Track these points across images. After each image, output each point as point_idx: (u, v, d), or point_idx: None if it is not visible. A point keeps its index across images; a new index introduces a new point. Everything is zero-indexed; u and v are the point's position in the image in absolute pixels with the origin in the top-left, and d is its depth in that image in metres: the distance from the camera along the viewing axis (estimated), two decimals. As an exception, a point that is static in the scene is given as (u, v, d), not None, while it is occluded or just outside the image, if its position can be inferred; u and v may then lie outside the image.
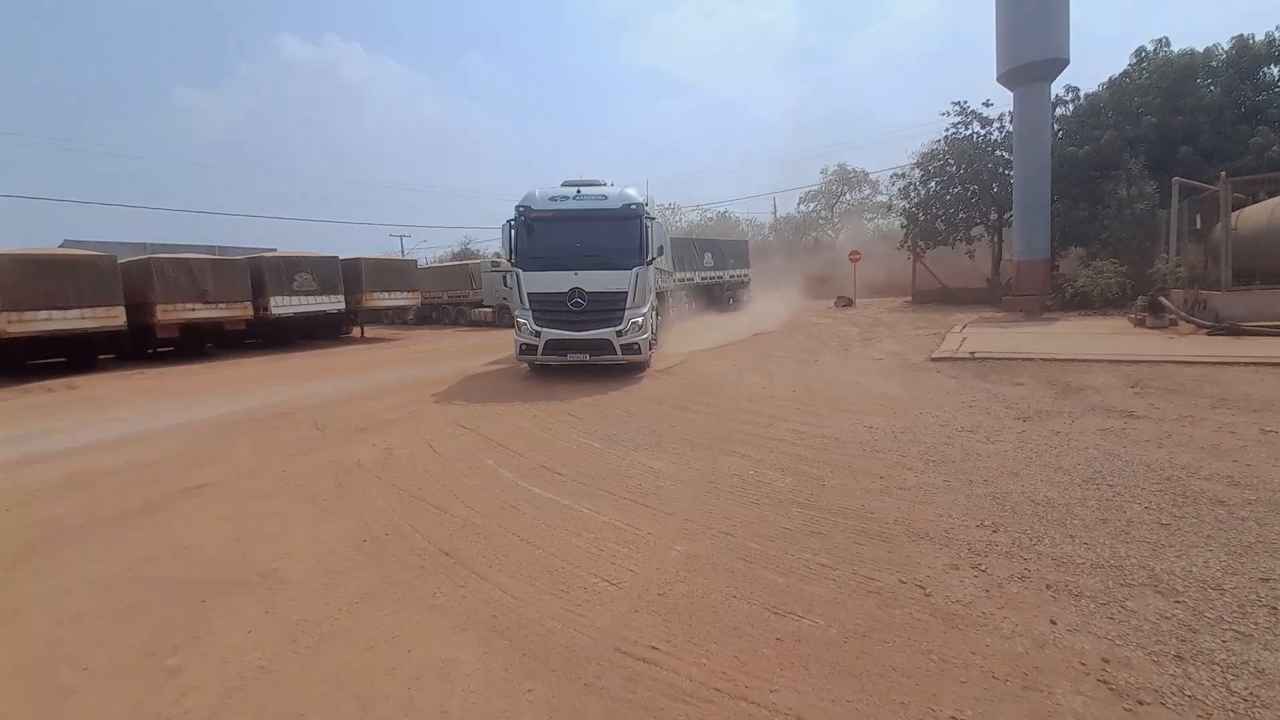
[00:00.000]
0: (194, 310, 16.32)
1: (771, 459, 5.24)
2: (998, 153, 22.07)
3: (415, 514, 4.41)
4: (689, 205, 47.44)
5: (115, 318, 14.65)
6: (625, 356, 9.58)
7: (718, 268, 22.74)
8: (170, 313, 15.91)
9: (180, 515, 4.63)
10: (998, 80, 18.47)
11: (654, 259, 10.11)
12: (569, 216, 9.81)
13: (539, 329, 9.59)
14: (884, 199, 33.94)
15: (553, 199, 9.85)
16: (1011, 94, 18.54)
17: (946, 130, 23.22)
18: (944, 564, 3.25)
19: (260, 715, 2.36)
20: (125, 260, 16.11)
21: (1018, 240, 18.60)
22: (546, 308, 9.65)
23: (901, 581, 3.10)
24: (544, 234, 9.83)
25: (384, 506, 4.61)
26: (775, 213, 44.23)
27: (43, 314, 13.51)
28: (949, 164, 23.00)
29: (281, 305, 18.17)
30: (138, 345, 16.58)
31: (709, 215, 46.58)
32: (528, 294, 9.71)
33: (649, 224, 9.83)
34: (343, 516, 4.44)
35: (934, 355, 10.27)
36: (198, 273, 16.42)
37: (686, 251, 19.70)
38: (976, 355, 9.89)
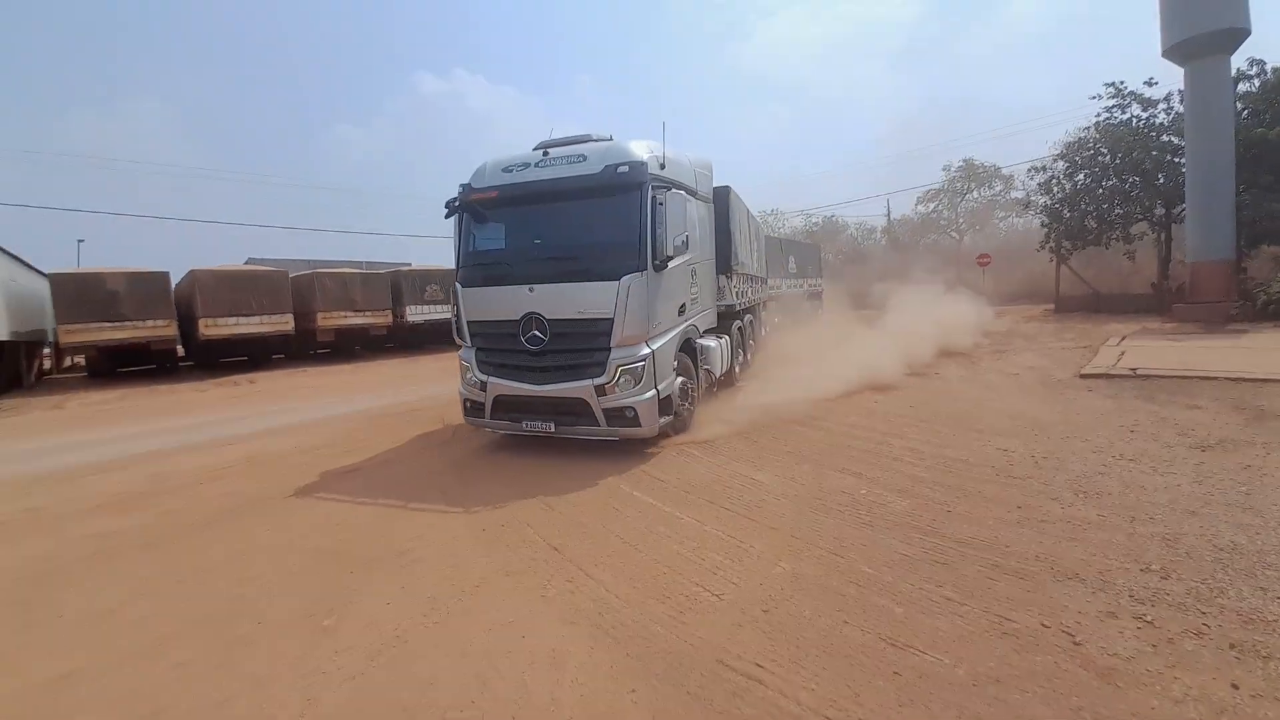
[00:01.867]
0: (347, 317, 18.79)
1: (886, 479, 4.90)
2: (1164, 138, 18.82)
3: (526, 508, 4.68)
4: (793, 210, 45.63)
5: (286, 323, 17.20)
6: (613, 428, 5.74)
7: (800, 275, 19.33)
8: (328, 319, 18.43)
9: (334, 495, 5.28)
10: (1163, 55, 15.87)
11: (673, 257, 5.94)
12: (526, 196, 6.04)
13: (484, 377, 6.14)
14: (1020, 194, 30.52)
15: (508, 169, 6.20)
16: (1181, 70, 15.88)
17: (1098, 115, 20.24)
18: (1098, 611, 2.84)
19: (398, 679, 2.63)
20: (294, 274, 18.85)
21: (1192, 238, 15.76)
22: (494, 344, 6.19)
23: (1044, 625, 2.75)
24: (493, 226, 6.45)
25: (500, 494, 4.98)
26: (889, 214, 41.38)
27: (231, 320, 16.17)
28: (1101, 153, 20.06)
29: (415, 313, 20.35)
30: (302, 346, 19.29)
31: (814, 220, 44.49)
32: (467, 322, 6.34)
33: (662, 199, 5.75)
34: (465, 504, 4.83)
35: (1084, 371, 9.02)
36: (350, 285, 18.86)
37: (775, 255, 16.40)
38: (1139, 372, 8.55)
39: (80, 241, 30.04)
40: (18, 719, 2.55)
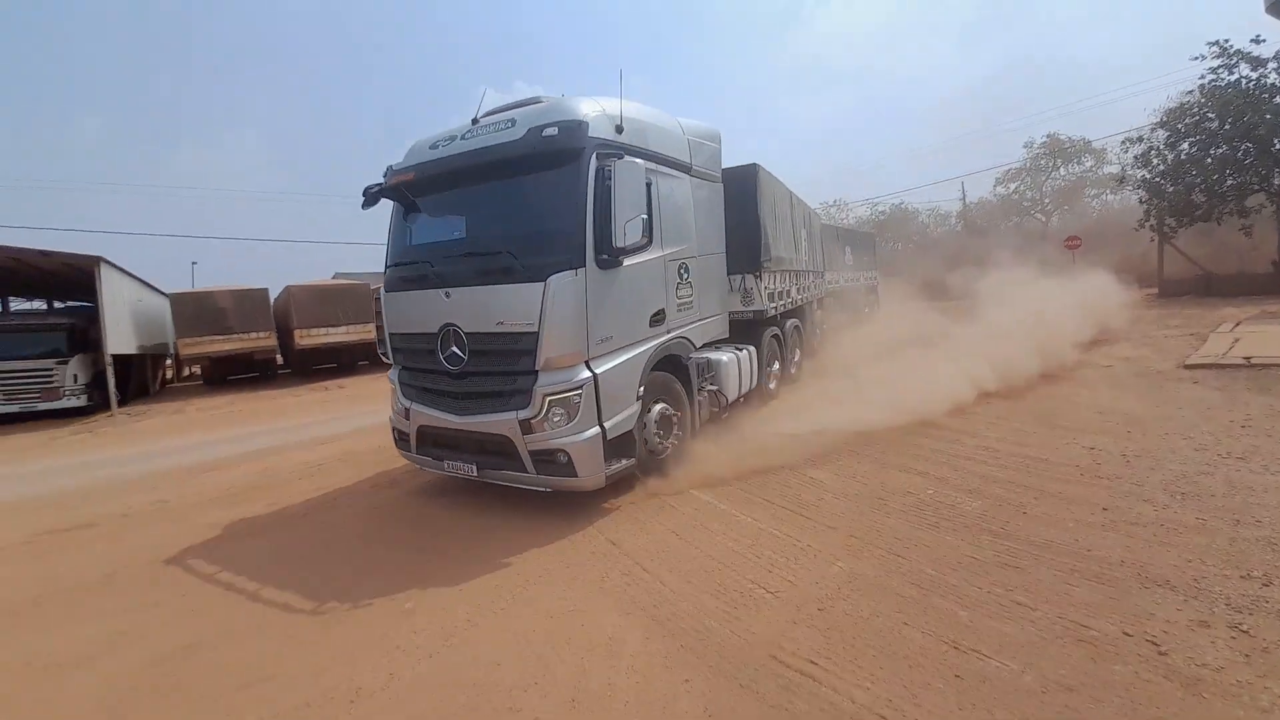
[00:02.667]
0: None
1: (956, 478, 4.69)
2: (1278, 99, 16.67)
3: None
4: (857, 200, 43.69)
5: (369, 332, 18.49)
6: (542, 476, 4.37)
7: (857, 267, 16.82)
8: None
9: (410, 491, 5.69)
10: (1268, 11, 14.08)
11: (629, 249, 4.43)
12: (445, 176, 4.78)
13: (408, 403, 5.00)
14: (1114, 169, 27.83)
15: (434, 145, 4.96)
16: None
17: (1201, 78, 18.12)
18: (1189, 620, 2.64)
19: (468, 659, 2.84)
20: (375, 286, 20.22)
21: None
22: (416, 363, 5.04)
23: (1126, 634, 2.59)
24: (419, 217, 5.18)
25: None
26: (964, 198, 38.91)
27: (322, 330, 17.57)
28: (1208, 119, 17.89)
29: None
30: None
31: (880, 210, 42.43)
32: (389, 334, 5.26)
33: (610, 170, 4.33)
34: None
35: (1189, 361, 8.18)
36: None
37: (831, 246, 13.81)
38: (1254, 361, 7.66)
39: (194, 264, 33.51)
40: (149, 682, 2.96)
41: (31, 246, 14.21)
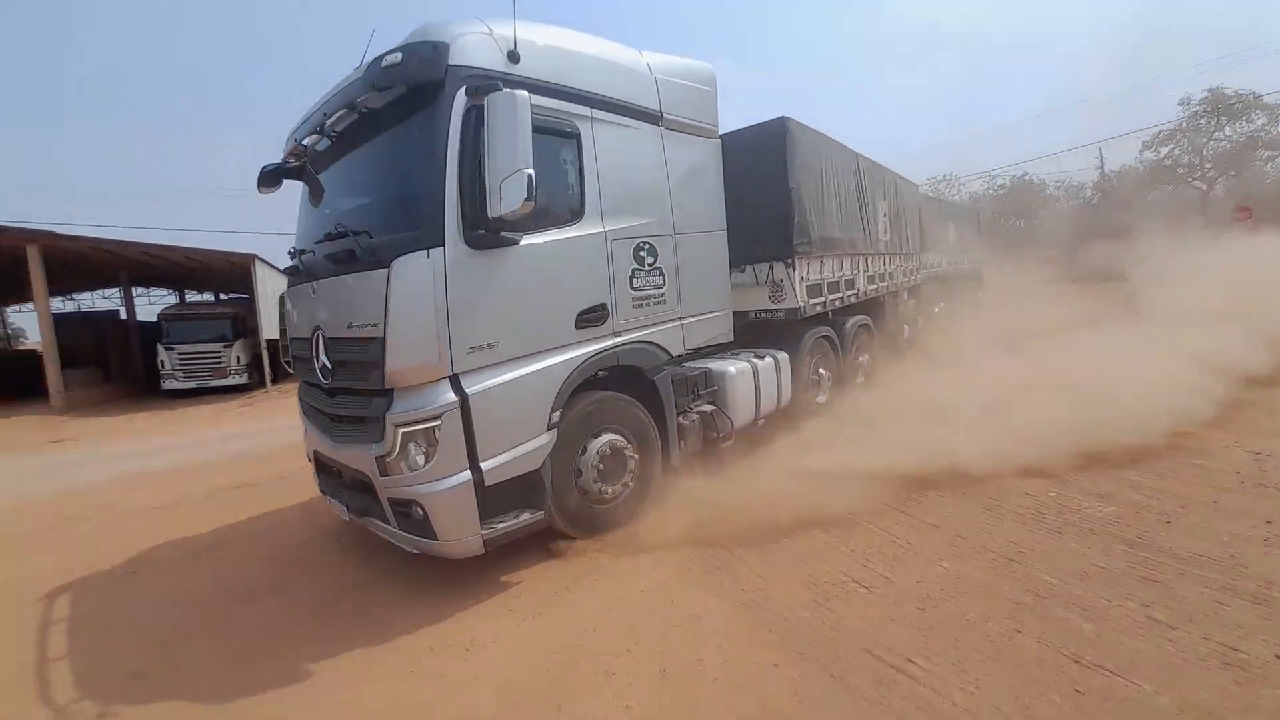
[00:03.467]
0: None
1: (1084, 481, 4.23)
2: None
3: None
4: (970, 174, 39.63)
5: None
6: (405, 533, 3.36)
7: (961, 247, 13.87)
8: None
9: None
10: None
11: (512, 215, 3.05)
12: (315, 140, 3.85)
13: (305, 421, 4.34)
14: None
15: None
16: None
17: None
18: (1379, 654, 2.24)
19: (562, 623, 3.02)
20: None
21: None
22: (305, 375, 4.18)
23: (1285, 660, 2.26)
24: (306, 194, 4.20)
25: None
26: (1102, 167, 34.20)
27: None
28: None
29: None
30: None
31: (998, 183, 38.34)
32: (290, 339, 4.41)
33: (487, 106, 3.11)
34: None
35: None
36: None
37: (932, 222, 11.24)
38: None
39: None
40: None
41: (201, 247, 16.73)
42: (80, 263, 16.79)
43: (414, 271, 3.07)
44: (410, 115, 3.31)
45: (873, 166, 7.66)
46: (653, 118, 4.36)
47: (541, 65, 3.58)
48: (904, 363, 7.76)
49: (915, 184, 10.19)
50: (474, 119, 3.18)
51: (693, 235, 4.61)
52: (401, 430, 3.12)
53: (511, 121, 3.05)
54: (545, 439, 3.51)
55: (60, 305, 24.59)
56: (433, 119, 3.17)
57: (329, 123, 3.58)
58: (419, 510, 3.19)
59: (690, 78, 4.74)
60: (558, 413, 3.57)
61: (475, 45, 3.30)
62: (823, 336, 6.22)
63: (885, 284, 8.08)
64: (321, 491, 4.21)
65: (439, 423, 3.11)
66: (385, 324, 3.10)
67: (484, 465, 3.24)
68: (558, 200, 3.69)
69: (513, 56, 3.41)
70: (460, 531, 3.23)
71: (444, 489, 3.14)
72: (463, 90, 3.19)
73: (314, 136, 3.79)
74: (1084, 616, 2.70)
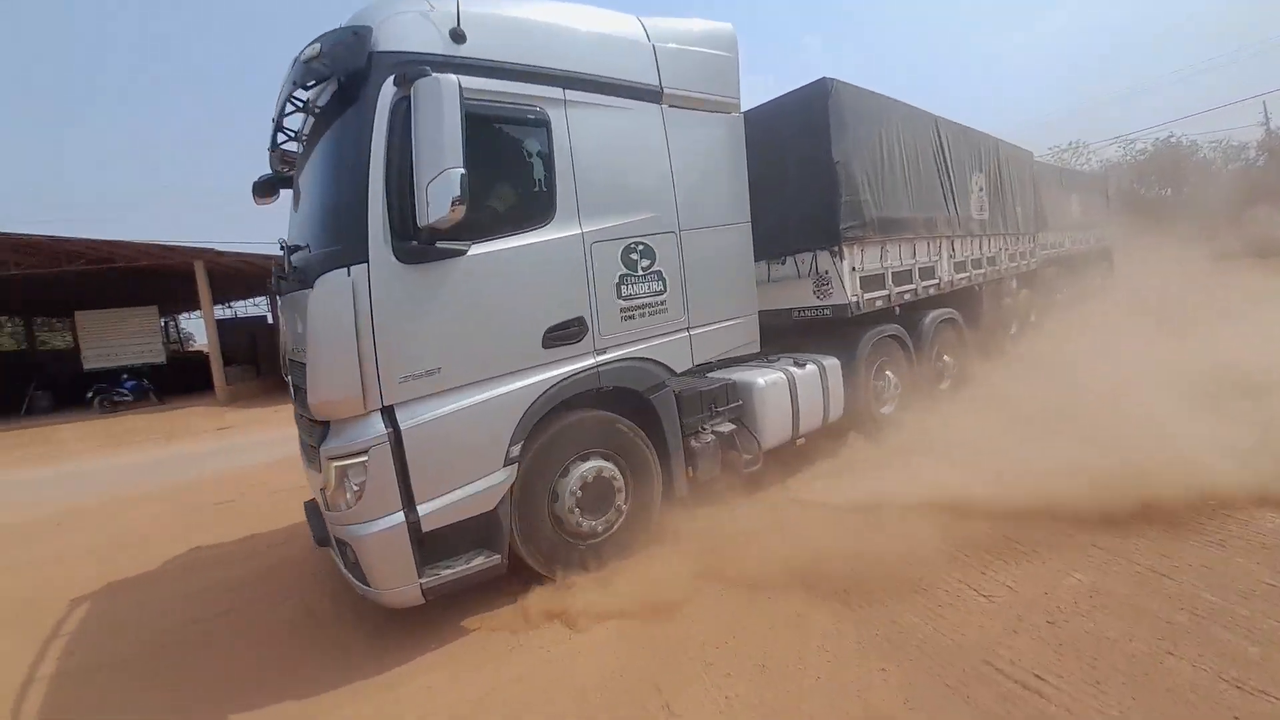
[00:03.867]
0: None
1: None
2: None
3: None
4: (1103, 139, 34.60)
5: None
6: (346, 569, 3.15)
7: (1085, 222, 11.80)
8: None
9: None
10: None
11: (443, 225, 2.66)
12: (288, 140, 3.63)
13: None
14: None
15: None
16: None
17: None
18: None
19: (661, 612, 3.07)
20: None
21: None
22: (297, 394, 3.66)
23: None
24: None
25: None
26: (1267, 122, 28.74)
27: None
28: None
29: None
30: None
31: (1138, 149, 33.23)
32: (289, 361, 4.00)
33: (412, 97, 2.73)
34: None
35: None
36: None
37: (1051, 195, 9.79)
38: None
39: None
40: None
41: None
42: (234, 274, 19.33)
43: (332, 293, 2.71)
44: (341, 112, 2.99)
45: (960, 132, 6.66)
46: (650, 94, 3.74)
47: (495, 43, 3.10)
48: (1006, 363, 6.86)
49: (1028, 151, 8.85)
50: (404, 113, 2.77)
51: (705, 231, 3.99)
52: (334, 465, 2.80)
53: (435, 112, 2.65)
54: (501, 476, 3.06)
55: (220, 312, 28.44)
56: (357, 116, 2.82)
57: (286, 124, 3.39)
58: (351, 551, 2.92)
59: (703, 43, 4.05)
60: (518, 445, 3.10)
61: (407, 27, 2.88)
62: (889, 336, 5.36)
63: (982, 271, 6.94)
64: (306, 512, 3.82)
65: (365, 459, 2.76)
66: (305, 351, 2.84)
67: (421, 508, 2.85)
68: (520, 201, 3.22)
69: (456, 36, 2.95)
70: (392, 580, 2.86)
71: (371, 533, 2.79)
72: (390, 80, 2.80)
73: (280, 136, 3.53)
74: (1251, 638, 2.37)
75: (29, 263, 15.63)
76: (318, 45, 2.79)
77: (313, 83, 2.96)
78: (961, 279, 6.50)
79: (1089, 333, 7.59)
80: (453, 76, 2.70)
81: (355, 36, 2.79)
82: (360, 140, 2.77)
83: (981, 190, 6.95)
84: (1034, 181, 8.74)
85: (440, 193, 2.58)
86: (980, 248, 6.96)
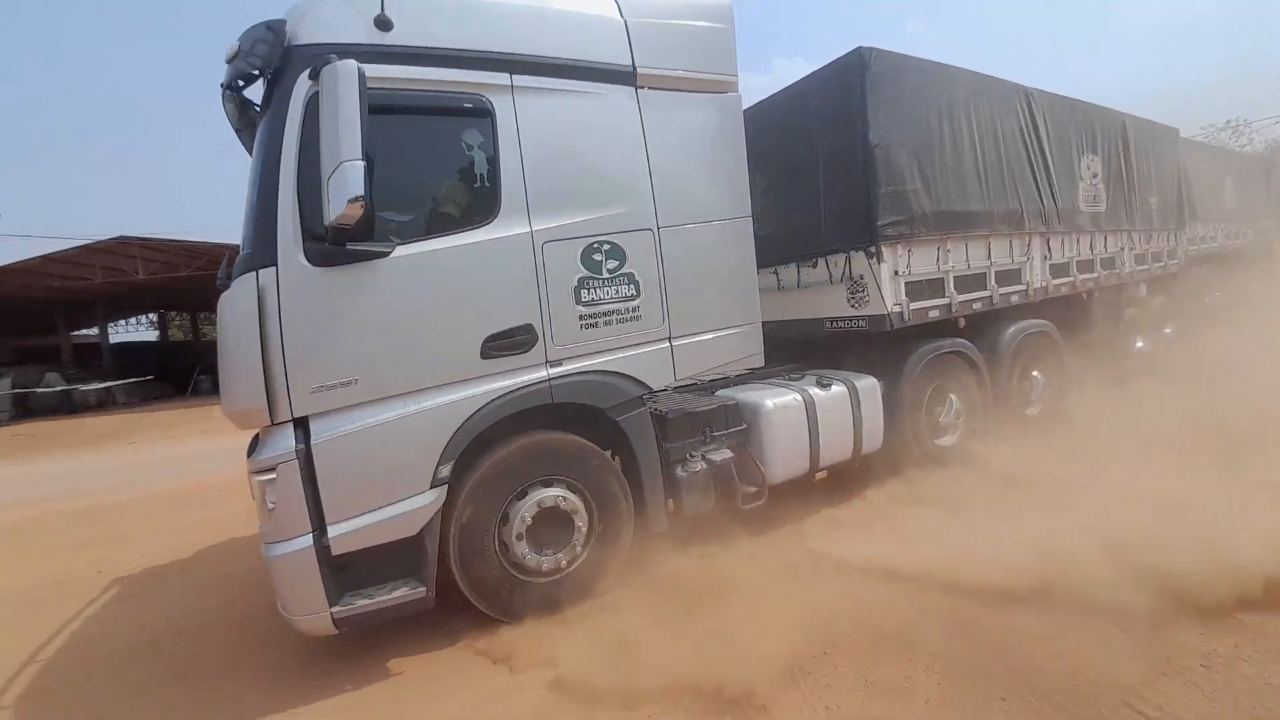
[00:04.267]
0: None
1: None
2: None
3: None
4: (1265, 117, 29.33)
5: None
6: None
7: (1243, 214, 9.68)
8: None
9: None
10: None
11: (353, 225, 2.49)
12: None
13: None
14: None
15: None
16: None
17: None
18: None
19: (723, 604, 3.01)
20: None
21: None
22: None
23: None
24: None
25: None
26: None
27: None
28: None
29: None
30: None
31: None
32: None
33: (321, 84, 2.56)
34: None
35: None
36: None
37: (1201, 176, 8.25)
38: None
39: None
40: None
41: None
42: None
43: (239, 298, 2.64)
44: (266, 110, 2.87)
45: (1065, 107, 5.54)
46: (621, 76, 3.37)
47: (427, 28, 2.90)
48: (1121, 381, 5.79)
49: (1172, 129, 7.34)
50: (304, 109, 2.67)
51: (691, 228, 3.56)
52: (256, 479, 2.69)
53: (332, 100, 2.47)
54: (427, 499, 2.82)
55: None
56: (274, 113, 2.72)
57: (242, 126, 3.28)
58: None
59: (690, 15, 3.62)
60: (448, 466, 2.85)
61: (327, 18, 2.77)
62: (950, 353, 4.54)
63: (1093, 275, 5.81)
64: None
65: (274, 475, 2.62)
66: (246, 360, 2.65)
67: (332, 530, 2.66)
68: (457, 197, 3.02)
69: (381, 23, 2.78)
70: (302, 606, 2.69)
71: (279, 555, 2.65)
72: (305, 74, 2.67)
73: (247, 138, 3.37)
74: None
75: (195, 264, 18.34)
76: (237, 43, 2.73)
77: (241, 82, 2.87)
78: (1061, 285, 5.46)
79: (1241, 349, 6.27)
80: (351, 61, 2.52)
81: (269, 31, 2.71)
82: (273, 137, 2.69)
83: (1096, 177, 5.84)
84: (1176, 166, 7.31)
85: (338, 189, 2.40)
86: (1091, 246, 5.83)
